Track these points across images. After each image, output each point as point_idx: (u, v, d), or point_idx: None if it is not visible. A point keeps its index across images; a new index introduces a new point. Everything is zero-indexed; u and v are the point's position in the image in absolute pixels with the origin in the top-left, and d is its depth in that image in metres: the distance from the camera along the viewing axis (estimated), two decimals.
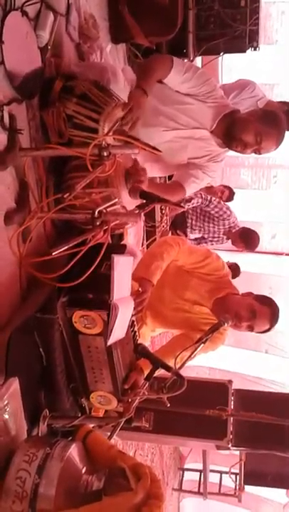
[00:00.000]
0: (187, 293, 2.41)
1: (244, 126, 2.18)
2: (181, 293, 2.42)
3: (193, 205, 4.61)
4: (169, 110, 2.22)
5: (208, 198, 4.62)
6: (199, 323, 2.39)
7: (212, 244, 4.89)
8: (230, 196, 5.30)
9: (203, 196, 4.61)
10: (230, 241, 4.88)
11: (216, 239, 4.87)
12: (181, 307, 2.44)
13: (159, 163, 2.32)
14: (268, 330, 2.36)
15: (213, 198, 4.68)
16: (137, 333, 1.93)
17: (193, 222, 4.76)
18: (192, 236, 4.86)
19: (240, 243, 4.81)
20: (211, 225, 4.76)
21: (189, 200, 4.49)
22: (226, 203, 4.86)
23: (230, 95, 3.83)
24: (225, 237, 4.84)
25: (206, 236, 4.85)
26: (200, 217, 4.73)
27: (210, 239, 4.86)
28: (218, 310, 2.35)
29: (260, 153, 2.25)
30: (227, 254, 5.11)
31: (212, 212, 4.66)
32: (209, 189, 5.12)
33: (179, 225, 4.71)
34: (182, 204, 3.92)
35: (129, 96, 1.91)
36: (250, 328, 2.31)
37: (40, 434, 1.57)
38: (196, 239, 4.91)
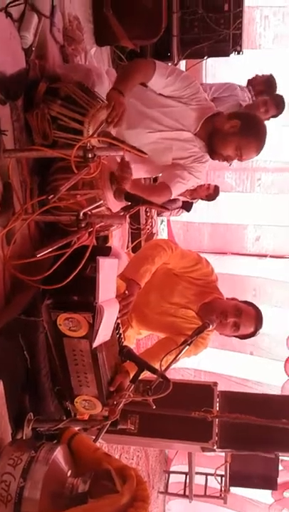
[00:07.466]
0: (174, 297, 2.41)
1: (224, 142, 2.21)
2: (168, 297, 2.42)
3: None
4: (153, 113, 2.22)
5: None
6: (184, 327, 2.38)
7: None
8: (215, 195, 5.34)
9: None
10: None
11: None
12: (166, 311, 2.43)
13: (144, 165, 2.32)
14: (254, 333, 2.37)
15: None
16: (122, 336, 1.93)
17: None
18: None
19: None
20: None
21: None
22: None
23: (209, 92, 3.84)
24: None
25: None
26: None
27: None
28: (203, 313, 2.35)
29: (241, 161, 2.28)
30: (212, 256, 5.12)
31: None
32: (194, 191, 5.14)
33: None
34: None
35: (107, 97, 1.89)
36: (236, 328, 2.32)
37: (24, 438, 1.56)
38: None
